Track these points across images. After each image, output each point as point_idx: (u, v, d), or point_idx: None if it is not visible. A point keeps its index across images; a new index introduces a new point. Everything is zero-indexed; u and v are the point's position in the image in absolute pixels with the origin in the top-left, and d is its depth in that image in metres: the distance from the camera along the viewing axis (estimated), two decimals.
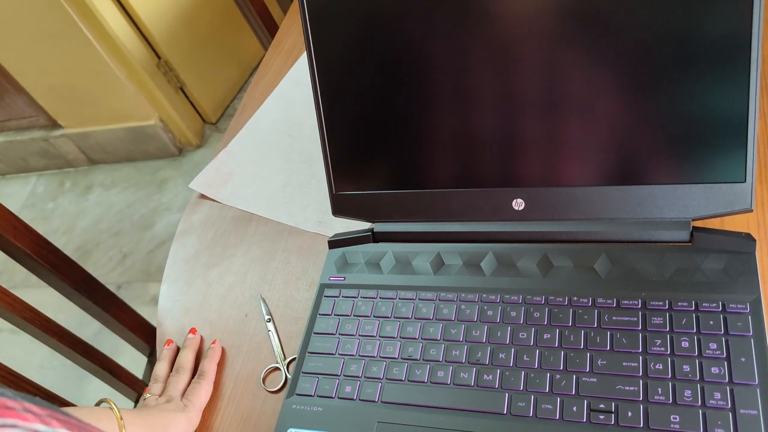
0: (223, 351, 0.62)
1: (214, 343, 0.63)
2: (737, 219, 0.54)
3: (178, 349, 0.64)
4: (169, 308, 0.68)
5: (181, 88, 1.99)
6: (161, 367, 0.62)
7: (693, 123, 0.49)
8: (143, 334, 1.12)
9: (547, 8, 0.50)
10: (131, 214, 1.98)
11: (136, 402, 1.14)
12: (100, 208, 2.04)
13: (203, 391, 0.58)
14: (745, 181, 0.49)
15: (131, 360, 1.49)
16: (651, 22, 0.48)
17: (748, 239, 0.50)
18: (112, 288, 1.60)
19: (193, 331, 0.64)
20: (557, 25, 0.50)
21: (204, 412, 0.58)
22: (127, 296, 1.76)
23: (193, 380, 0.59)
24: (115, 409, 0.51)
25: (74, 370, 1.09)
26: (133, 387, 1.12)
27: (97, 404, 0.55)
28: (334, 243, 0.64)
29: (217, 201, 0.76)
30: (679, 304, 0.49)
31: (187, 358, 0.62)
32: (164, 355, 0.64)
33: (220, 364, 0.61)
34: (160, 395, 0.58)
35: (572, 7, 0.49)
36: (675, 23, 0.47)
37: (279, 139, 0.79)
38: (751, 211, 0.49)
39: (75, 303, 1.00)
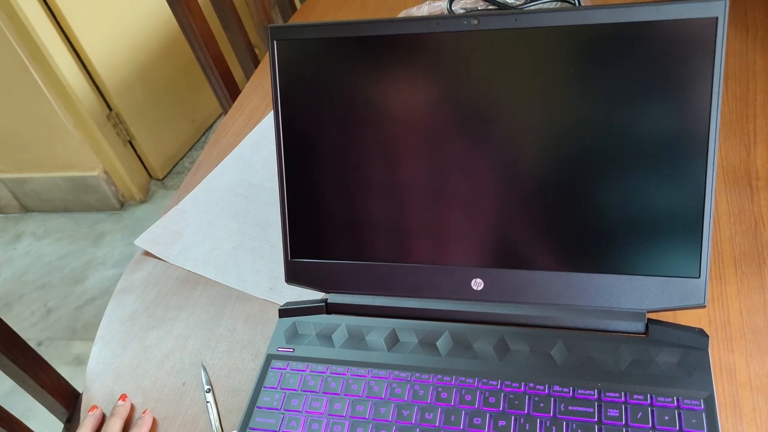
0: (155, 422, 0.58)
1: (144, 412, 0.58)
2: (689, 313, 0.55)
3: (103, 417, 0.59)
4: (99, 371, 0.64)
5: (130, 142, 1.95)
6: None
7: (650, 217, 0.50)
8: (62, 397, 1.03)
9: (505, 99, 0.51)
10: (62, 267, 1.88)
11: None
12: (28, 258, 1.93)
13: None
14: (699, 276, 0.50)
15: (44, 424, 1.38)
16: (609, 115, 0.50)
17: (701, 335, 0.51)
18: (32, 344, 1.49)
19: (123, 397, 0.60)
20: (516, 114, 0.51)
21: None
22: (47, 354, 1.65)
23: None
24: None
25: None
26: None
27: None
28: (285, 312, 0.61)
29: (162, 260, 0.73)
30: (635, 396, 0.49)
31: (114, 427, 0.56)
32: (87, 422, 0.58)
33: None
34: None
35: (530, 98, 0.51)
36: (634, 119, 0.49)
37: (234, 200, 0.77)
38: (704, 307, 0.50)
39: None
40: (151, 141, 1.99)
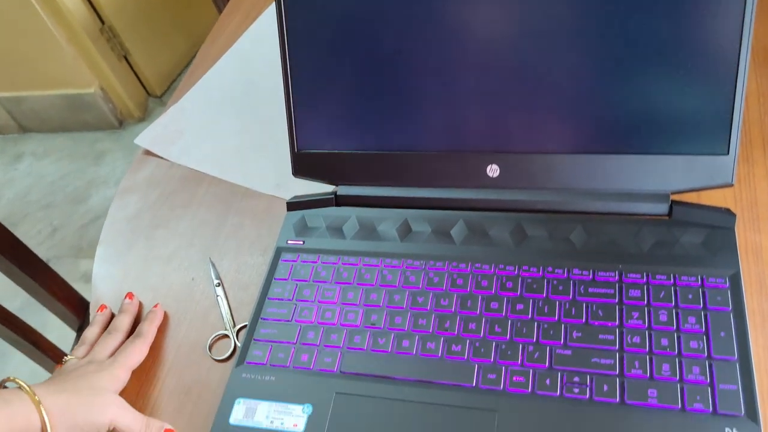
0: (166, 315, 0.57)
1: (155, 306, 0.57)
2: (714, 194, 0.53)
3: (112, 316, 0.58)
4: (105, 271, 0.62)
5: (125, 57, 1.89)
6: (92, 331, 0.56)
7: (677, 91, 0.47)
8: (73, 306, 1.04)
9: None
10: (64, 186, 1.87)
11: None
12: (30, 178, 1.91)
13: (137, 350, 0.52)
14: (728, 153, 0.48)
15: (58, 336, 1.40)
16: None
17: (728, 214, 0.49)
18: None
19: (129, 296, 0.58)
20: None
21: (142, 382, 0.53)
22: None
23: (128, 340, 0.54)
24: (26, 387, 0.44)
25: None
26: (59, 362, 1.04)
27: (1, 384, 0.47)
28: (294, 205, 0.59)
29: (164, 159, 0.70)
30: (657, 277, 0.47)
31: (123, 322, 0.56)
32: (97, 320, 0.57)
33: (161, 330, 0.56)
34: (83, 358, 0.52)
35: None
36: None
37: (235, 98, 0.74)
38: (732, 185, 0.48)
39: (1, 271, 0.92)
40: (147, 56, 1.93)
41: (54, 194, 1.85)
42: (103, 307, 0.58)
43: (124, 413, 0.47)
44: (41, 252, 1.71)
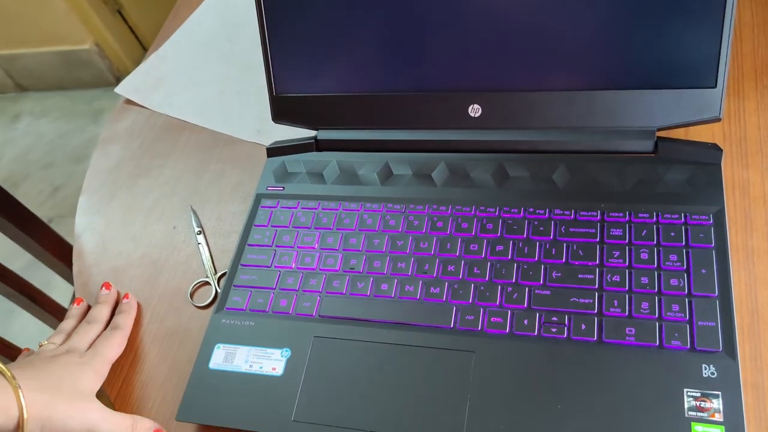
0: (139, 306, 0.55)
1: (126, 297, 0.54)
2: (702, 130, 0.51)
3: (89, 309, 0.55)
4: (88, 222, 0.62)
5: (119, 11, 1.85)
6: (69, 324, 0.53)
7: (663, 21, 0.45)
8: None
9: None
10: (64, 146, 1.86)
11: None
12: (29, 138, 1.91)
13: (116, 343, 0.50)
14: (715, 86, 0.46)
15: (62, 294, 1.41)
16: None
17: (715, 149, 0.47)
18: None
19: (107, 285, 0.55)
20: None
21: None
22: (58, 231, 1.66)
23: (106, 331, 0.51)
24: (8, 374, 0.41)
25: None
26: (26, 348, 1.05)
27: None
28: (274, 151, 0.58)
29: (145, 107, 0.69)
30: (639, 215, 0.46)
31: (101, 312, 0.53)
32: (73, 313, 0.54)
33: (142, 279, 0.56)
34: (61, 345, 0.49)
35: None
36: None
37: (217, 43, 0.72)
38: (720, 120, 0.46)
39: (3, 233, 0.92)
40: (141, 10, 1.89)
41: (54, 153, 1.85)
42: (79, 300, 0.56)
43: (104, 420, 0.44)
44: (43, 212, 1.71)
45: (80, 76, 1.92)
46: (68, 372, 0.45)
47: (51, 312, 1.05)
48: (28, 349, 0.51)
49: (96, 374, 0.47)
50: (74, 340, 0.49)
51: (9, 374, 0.41)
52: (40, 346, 0.50)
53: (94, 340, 0.50)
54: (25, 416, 0.40)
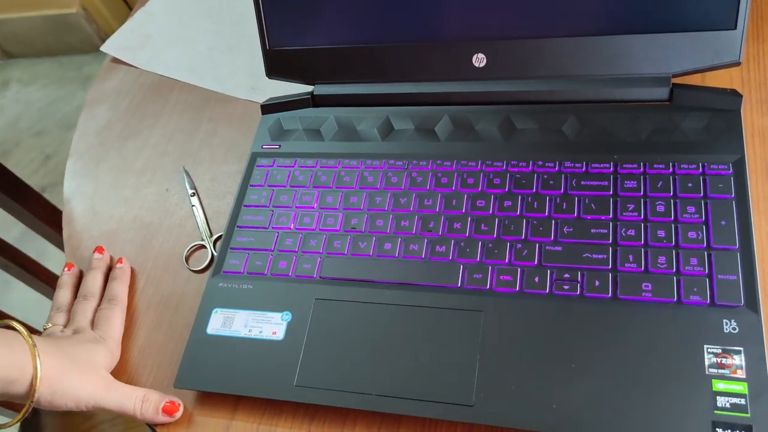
0: (133, 271, 0.53)
1: (120, 262, 0.53)
2: (720, 75, 0.48)
3: (81, 274, 0.54)
4: (76, 186, 0.60)
5: None
6: (63, 295, 0.51)
7: None
8: None
9: None
10: (54, 113, 1.82)
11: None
12: (18, 106, 1.87)
13: (117, 320, 0.49)
14: (735, 28, 0.43)
15: (57, 264, 1.39)
16: None
17: (734, 95, 0.45)
18: (35, 191, 1.47)
19: (99, 250, 0.53)
20: None
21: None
22: (51, 200, 1.64)
23: (102, 306, 0.50)
24: (25, 333, 0.41)
25: None
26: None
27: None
28: (268, 108, 0.55)
29: (133, 66, 0.66)
30: (654, 166, 0.44)
31: (95, 282, 0.51)
32: (64, 281, 0.52)
33: (137, 243, 0.54)
34: (64, 326, 0.49)
35: None
36: None
37: None
38: (739, 64, 0.43)
39: None
40: None
41: (44, 121, 1.81)
42: (69, 265, 0.54)
43: (114, 392, 0.43)
44: (36, 180, 1.69)
45: (68, 41, 1.87)
46: (84, 348, 0.45)
47: (47, 282, 1.04)
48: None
49: (110, 354, 0.46)
50: (78, 320, 0.48)
51: (26, 333, 0.41)
52: (45, 329, 0.49)
53: (95, 313, 0.49)
54: (39, 375, 0.40)
